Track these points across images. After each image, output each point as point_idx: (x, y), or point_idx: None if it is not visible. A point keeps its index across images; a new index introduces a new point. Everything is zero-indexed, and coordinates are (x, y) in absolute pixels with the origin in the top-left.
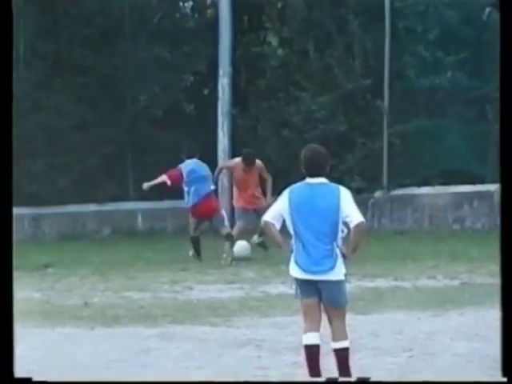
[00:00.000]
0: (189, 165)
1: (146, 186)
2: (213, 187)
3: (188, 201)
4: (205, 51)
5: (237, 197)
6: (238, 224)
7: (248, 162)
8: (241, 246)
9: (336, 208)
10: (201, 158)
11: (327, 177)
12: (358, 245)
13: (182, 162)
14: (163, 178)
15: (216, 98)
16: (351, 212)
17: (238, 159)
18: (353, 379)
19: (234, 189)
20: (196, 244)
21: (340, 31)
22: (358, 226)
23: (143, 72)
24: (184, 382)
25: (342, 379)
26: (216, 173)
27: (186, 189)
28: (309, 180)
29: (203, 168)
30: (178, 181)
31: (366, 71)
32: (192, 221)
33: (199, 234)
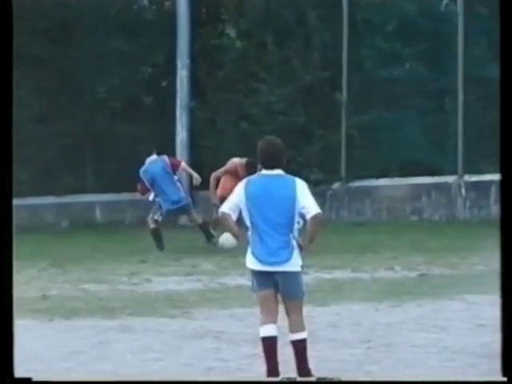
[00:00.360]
0: (145, 172)
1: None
2: (179, 184)
3: (161, 206)
4: (163, 43)
5: (221, 186)
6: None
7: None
8: (227, 239)
9: (292, 200)
10: (159, 151)
11: (285, 168)
12: (315, 236)
13: (143, 163)
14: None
15: (174, 91)
16: (308, 203)
17: (235, 160)
18: (313, 378)
19: (223, 180)
20: (157, 236)
21: (298, 23)
22: (314, 217)
23: (102, 64)
24: (190, 381)
25: (300, 379)
26: (213, 182)
27: (152, 193)
28: (265, 172)
29: (159, 165)
30: (145, 190)
31: (325, 63)
32: (152, 215)
33: (159, 226)
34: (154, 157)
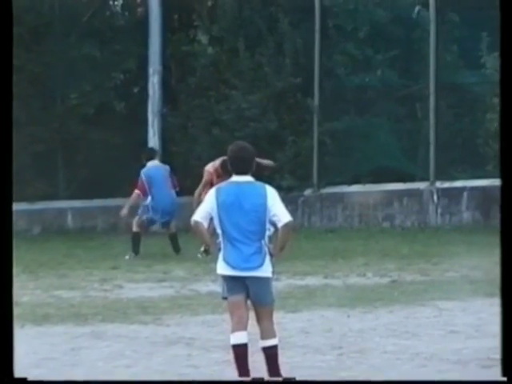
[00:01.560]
0: (148, 172)
1: (123, 213)
2: (175, 190)
3: (149, 211)
4: (135, 49)
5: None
6: None
7: (227, 170)
8: None
9: (263, 208)
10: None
11: (255, 174)
12: (286, 243)
13: (143, 166)
14: (134, 194)
15: (146, 97)
16: (278, 211)
17: (208, 167)
18: (280, 379)
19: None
20: (136, 240)
21: (270, 29)
22: (286, 225)
23: (74, 70)
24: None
25: (268, 379)
26: (197, 202)
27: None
28: (235, 178)
29: (161, 172)
30: (144, 191)
31: (297, 69)
32: (140, 220)
33: (142, 231)
34: (156, 161)
